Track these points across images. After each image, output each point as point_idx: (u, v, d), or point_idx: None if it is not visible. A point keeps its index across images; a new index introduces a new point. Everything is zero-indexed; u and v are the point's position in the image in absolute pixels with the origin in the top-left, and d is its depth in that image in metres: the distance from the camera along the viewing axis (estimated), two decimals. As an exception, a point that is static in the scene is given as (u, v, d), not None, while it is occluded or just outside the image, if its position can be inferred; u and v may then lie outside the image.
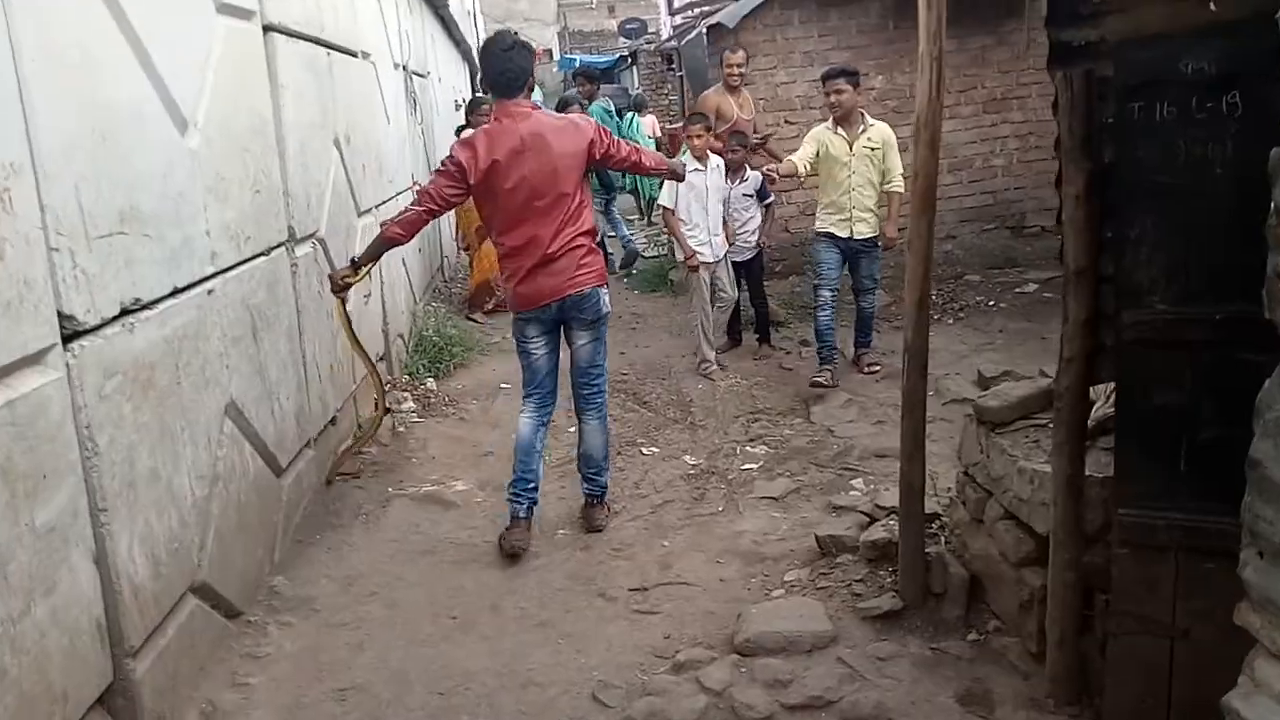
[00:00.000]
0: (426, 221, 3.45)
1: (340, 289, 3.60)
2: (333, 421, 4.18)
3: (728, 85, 6.28)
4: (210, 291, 2.80)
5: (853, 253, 5.36)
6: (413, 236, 3.50)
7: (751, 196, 5.90)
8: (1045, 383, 2.78)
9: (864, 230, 5.30)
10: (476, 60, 3.55)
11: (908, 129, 2.98)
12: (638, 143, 6.32)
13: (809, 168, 5.30)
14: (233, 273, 2.99)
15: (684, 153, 5.80)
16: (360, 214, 4.80)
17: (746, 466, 4.29)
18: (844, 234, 5.30)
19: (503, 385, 5.62)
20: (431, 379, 5.68)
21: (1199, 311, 1.97)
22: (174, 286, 2.56)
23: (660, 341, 6.54)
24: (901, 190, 5.11)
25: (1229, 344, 1.89)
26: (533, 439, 3.60)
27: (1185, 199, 1.98)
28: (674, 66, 16.04)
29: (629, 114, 14.32)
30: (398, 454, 4.50)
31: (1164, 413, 2.04)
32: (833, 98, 5.20)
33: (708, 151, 5.66)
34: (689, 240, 5.65)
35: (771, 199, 5.99)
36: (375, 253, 3.51)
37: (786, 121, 7.07)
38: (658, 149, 14.32)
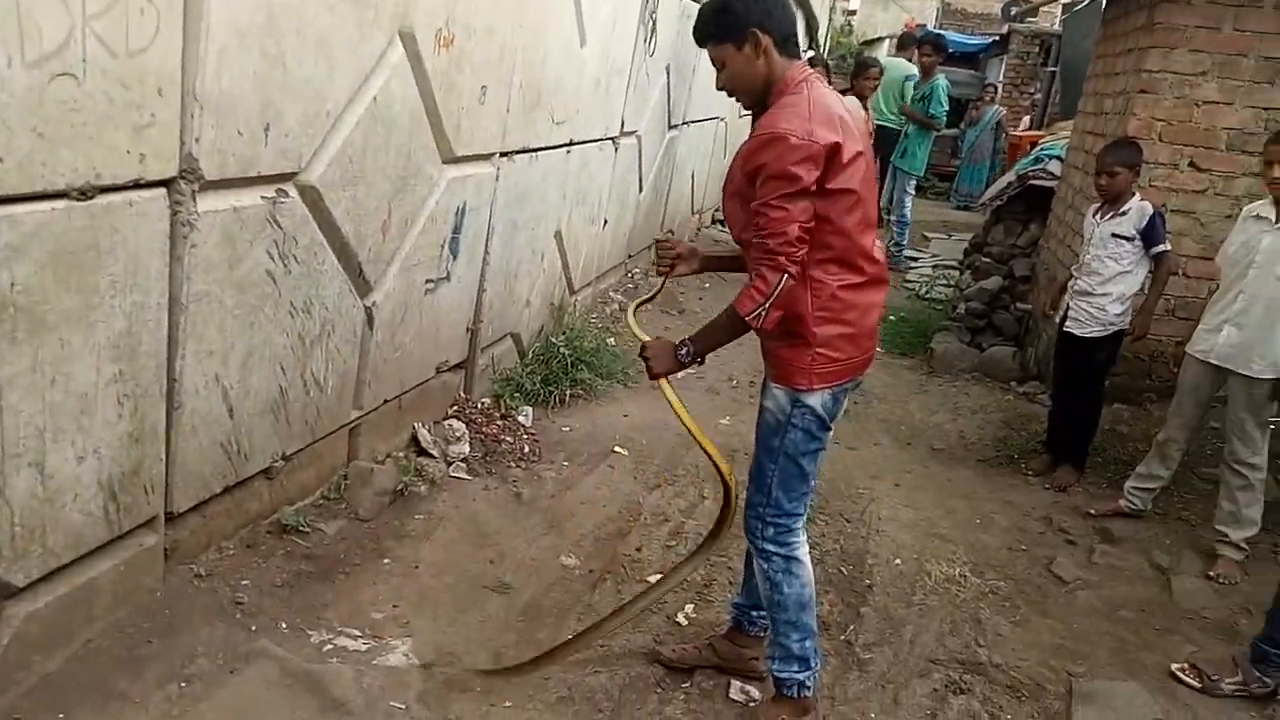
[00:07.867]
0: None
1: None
2: (284, 458, 2.64)
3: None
4: None
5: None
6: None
7: (1129, 240, 3.71)
8: None
9: None
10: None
11: None
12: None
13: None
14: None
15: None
16: (456, 160, 3.14)
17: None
18: None
19: (617, 449, 3.82)
20: (529, 408, 4.01)
21: None
22: None
23: (877, 447, 4.37)
24: None
25: None
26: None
27: None
28: (1047, 60, 12.93)
29: (990, 109, 11.65)
30: (368, 543, 2.86)
31: None
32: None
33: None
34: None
35: (1166, 248, 3.72)
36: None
37: (1193, 165, 4.42)
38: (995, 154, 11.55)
